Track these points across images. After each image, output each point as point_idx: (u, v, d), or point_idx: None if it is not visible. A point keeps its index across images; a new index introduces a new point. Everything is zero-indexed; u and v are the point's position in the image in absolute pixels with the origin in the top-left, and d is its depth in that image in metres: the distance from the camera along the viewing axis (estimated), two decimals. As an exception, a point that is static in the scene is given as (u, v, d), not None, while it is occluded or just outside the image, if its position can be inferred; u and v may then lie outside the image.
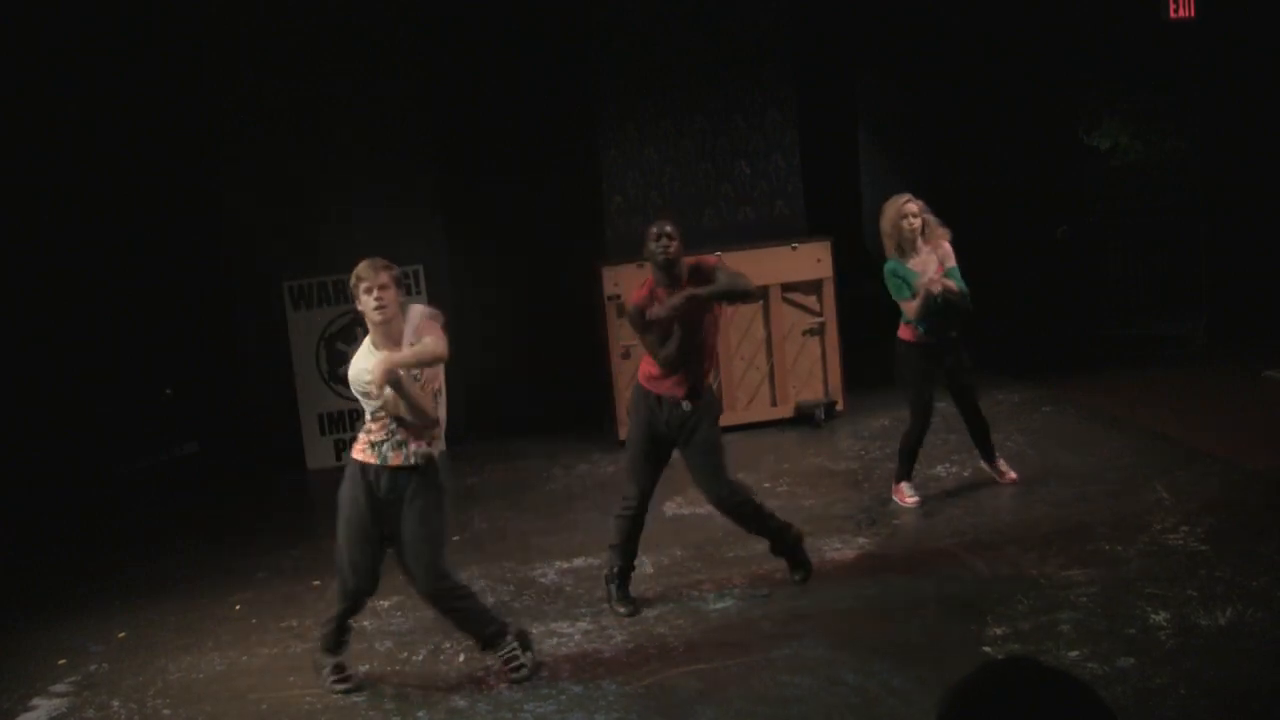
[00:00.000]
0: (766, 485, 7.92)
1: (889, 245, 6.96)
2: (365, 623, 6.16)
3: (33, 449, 8.99)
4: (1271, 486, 6.99)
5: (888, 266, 6.96)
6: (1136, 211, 11.08)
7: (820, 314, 9.63)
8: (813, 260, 9.55)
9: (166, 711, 5.46)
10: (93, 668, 6.03)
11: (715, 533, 6.80)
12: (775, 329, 9.55)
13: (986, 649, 5.17)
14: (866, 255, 11.15)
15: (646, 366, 5.99)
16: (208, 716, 5.39)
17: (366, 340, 5.21)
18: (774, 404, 9.62)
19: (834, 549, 6.66)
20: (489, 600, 6.33)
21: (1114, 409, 9.01)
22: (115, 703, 5.59)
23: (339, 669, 5.46)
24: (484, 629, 5.36)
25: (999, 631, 5.36)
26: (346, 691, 5.41)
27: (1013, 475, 7.44)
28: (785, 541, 6.16)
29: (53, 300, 9.28)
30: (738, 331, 9.49)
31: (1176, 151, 10.99)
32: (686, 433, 5.90)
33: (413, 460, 5.16)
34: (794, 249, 9.52)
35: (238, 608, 6.69)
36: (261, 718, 5.32)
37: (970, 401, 7.21)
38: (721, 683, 5.16)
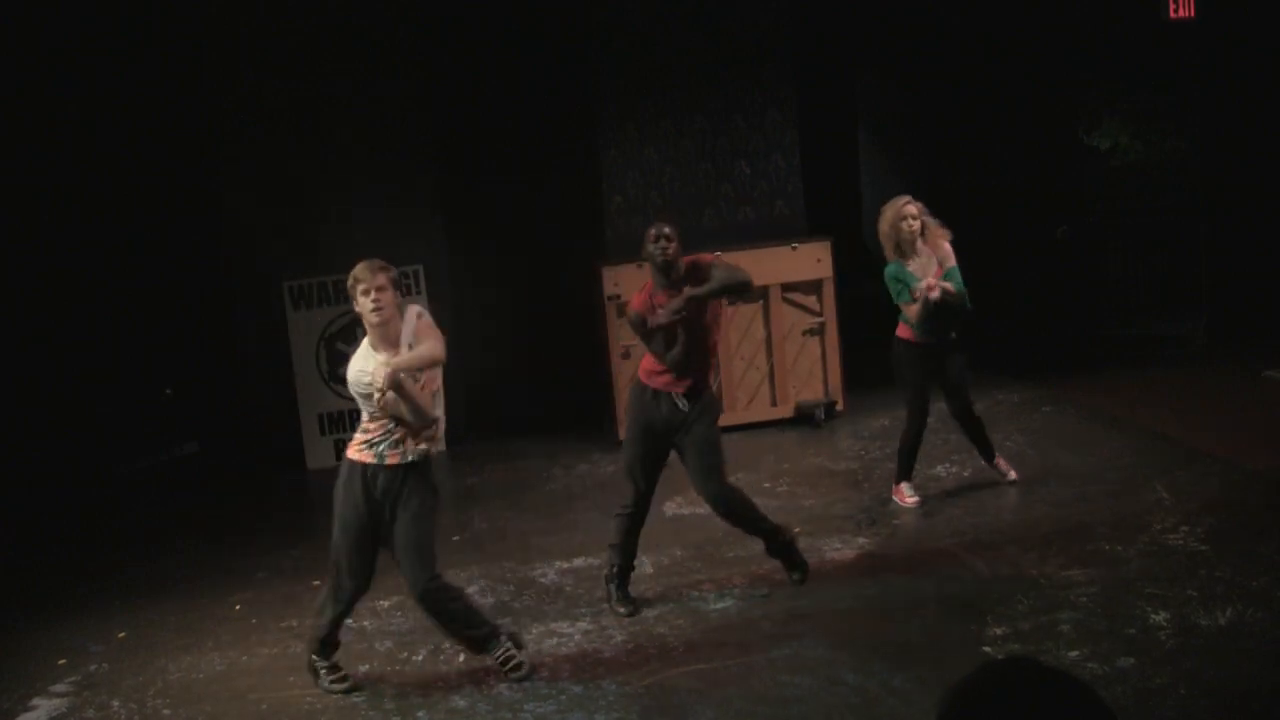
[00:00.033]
0: (766, 485, 7.92)
1: (888, 247, 6.96)
2: (365, 623, 6.17)
3: (33, 449, 8.99)
4: (1271, 486, 6.99)
5: (888, 270, 6.96)
6: (1136, 211, 11.08)
7: (820, 314, 9.63)
8: (813, 260, 9.55)
9: (166, 711, 5.46)
10: (93, 668, 6.03)
11: (715, 533, 6.80)
12: (775, 329, 9.55)
13: (986, 649, 5.17)
14: (866, 255, 11.14)
15: (648, 363, 5.99)
16: (208, 716, 5.39)
17: (365, 341, 5.22)
18: (774, 404, 9.62)
19: (834, 549, 6.66)
20: (489, 600, 6.35)
21: (1114, 409, 9.01)
22: (115, 703, 5.59)
23: (334, 669, 5.47)
24: (476, 630, 5.35)
25: (999, 631, 5.36)
26: (345, 691, 5.41)
27: (1014, 474, 7.44)
28: (778, 544, 6.16)
29: (53, 300, 9.28)
30: (738, 331, 9.49)
31: (1176, 151, 11.00)
32: (684, 429, 5.90)
33: (410, 458, 5.17)
34: (794, 249, 9.53)
35: (238, 608, 6.69)
36: (261, 718, 5.32)
37: (963, 402, 7.19)
38: (721, 683, 5.16)
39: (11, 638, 6.53)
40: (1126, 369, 10.27)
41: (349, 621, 5.68)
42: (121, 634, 6.45)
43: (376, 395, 5.01)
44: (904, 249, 6.91)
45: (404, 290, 8.33)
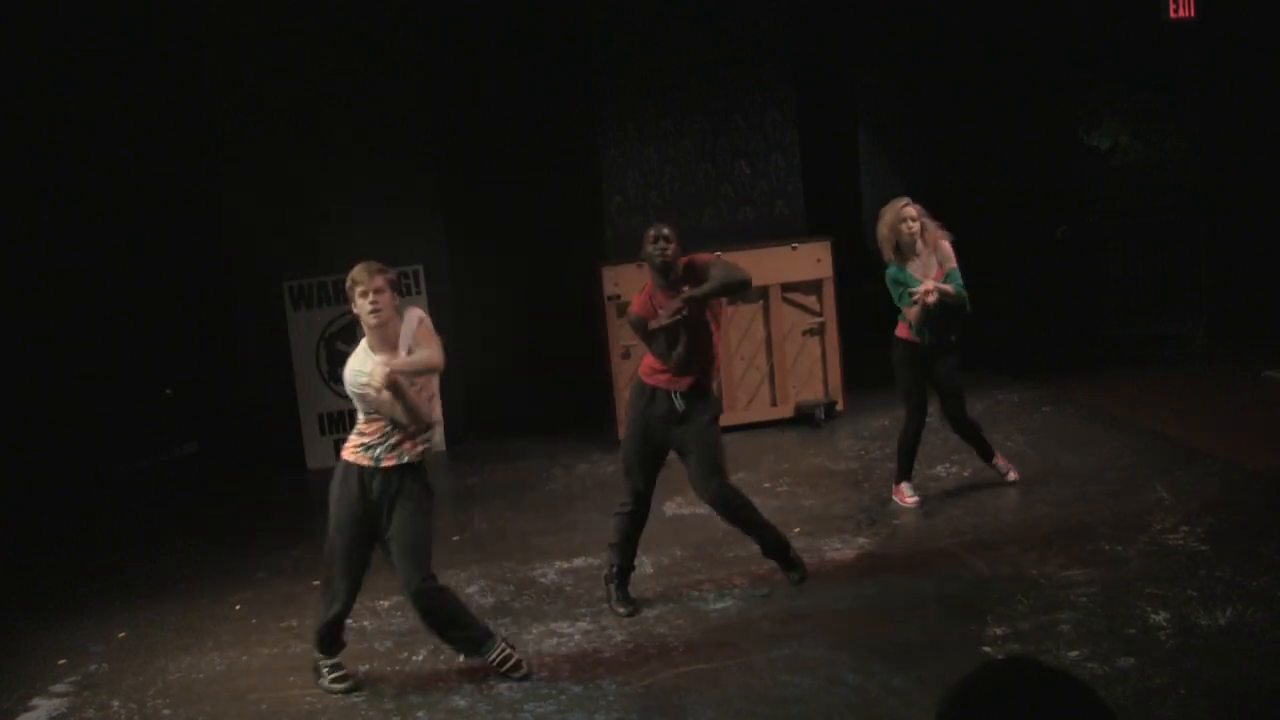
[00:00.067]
0: (766, 485, 7.92)
1: (886, 249, 6.95)
2: (365, 623, 6.17)
3: (33, 449, 8.99)
4: (1271, 486, 6.99)
5: (889, 273, 6.96)
6: (1136, 211, 11.08)
7: (820, 314, 9.63)
8: (813, 260, 9.55)
9: (166, 711, 5.46)
10: (93, 668, 6.03)
11: (715, 533, 6.80)
12: (775, 329, 9.55)
13: (986, 649, 5.17)
14: (866, 255, 11.13)
15: (648, 362, 5.99)
16: (208, 716, 5.39)
17: (363, 342, 5.22)
18: (774, 404, 9.62)
19: (834, 549, 6.66)
20: (489, 600, 6.35)
21: (1114, 409, 9.01)
22: (115, 703, 5.59)
23: (336, 668, 5.47)
24: (470, 632, 5.35)
25: (999, 631, 5.36)
26: (346, 691, 5.41)
27: (1014, 474, 7.44)
28: (774, 545, 6.16)
29: (53, 300, 9.28)
30: (738, 331, 9.49)
31: (1176, 151, 11.00)
32: (682, 428, 5.89)
33: (406, 459, 5.18)
34: (794, 249, 9.53)
35: (238, 608, 6.69)
36: (261, 718, 5.32)
37: (956, 404, 7.18)
38: (721, 683, 5.16)
39: (11, 638, 6.53)
40: (1126, 369, 10.27)
41: (349, 621, 5.67)
42: (121, 634, 6.45)
43: (371, 392, 5.02)
44: (904, 250, 6.91)
45: (404, 290, 8.34)
